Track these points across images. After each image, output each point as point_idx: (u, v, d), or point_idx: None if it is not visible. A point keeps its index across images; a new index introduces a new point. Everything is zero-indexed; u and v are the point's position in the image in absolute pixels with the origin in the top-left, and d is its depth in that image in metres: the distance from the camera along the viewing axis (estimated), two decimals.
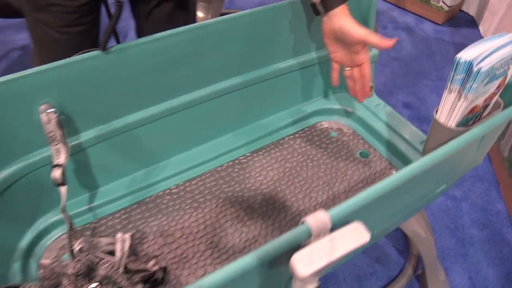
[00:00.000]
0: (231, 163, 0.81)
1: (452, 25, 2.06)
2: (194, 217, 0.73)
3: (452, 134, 0.55)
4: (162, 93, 0.71)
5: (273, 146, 0.85)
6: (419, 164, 0.47)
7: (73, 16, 0.72)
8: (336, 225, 0.43)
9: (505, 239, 1.16)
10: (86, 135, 0.66)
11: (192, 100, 0.74)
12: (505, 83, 0.57)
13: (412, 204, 0.63)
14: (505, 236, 1.16)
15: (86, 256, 0.61)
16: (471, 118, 0.59)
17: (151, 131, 0.73)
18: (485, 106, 0.59)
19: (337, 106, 0.91)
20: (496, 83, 0.55)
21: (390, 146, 0.83)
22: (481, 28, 1.99)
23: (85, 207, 0.71)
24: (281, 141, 0.86)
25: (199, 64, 0.72)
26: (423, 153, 0.64)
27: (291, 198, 0.76)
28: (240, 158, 0.82)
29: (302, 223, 0.42)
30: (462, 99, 0.52)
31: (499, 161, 1.31)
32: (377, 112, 0.88)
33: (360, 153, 0.85)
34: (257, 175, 0.80)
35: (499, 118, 0.54)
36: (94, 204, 0.72)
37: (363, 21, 0.82)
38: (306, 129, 0.89)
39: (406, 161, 0.81)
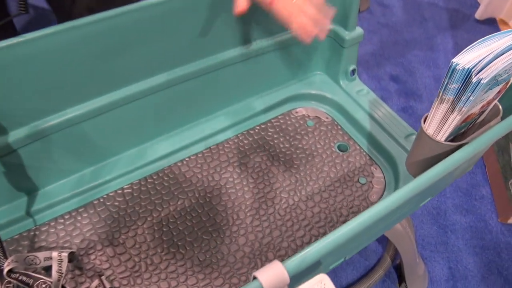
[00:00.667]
0: (193, 157, 0.73)
1: None
2: (149, 223, 0.65)
3: (441, 149, 0.47)
4: (107, 83, 0.61)
5: (242, 137, 0.76)
6: (396, 197, 0.39)
7: None
8: (296, 277, 0.35)
9: (488, 226, 1.11)
10: (15, 135, 0.56)
11: (144, 90, 0.64)
12: (507, 87, 0.48)
13: (392, 222, 0.56)
14: (488, 223, 1.12)
15: (18, 277, 0.53)
16: (464, 126, 0.50)
17: (97, 126, 0.63)
18: (481, 112, 0.51)
19: (315, 91, 0.82)
20: (497, 89, 0.46)
21: (372, 140, 0.75)
22: (478, 10, 1.87)
23: (22, 213, 0.62)
24: (251, 131, 0.77)
25: (152, 48, 0.61)
26: (407, 162, 0.55)
27: (260, 199, 0.68)
28: (204, 151, 0.74)
29: (254, 278, 0.34)
30: (455, 112, 0.43)
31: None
32: (359, 99, 0.79)
33: (339, 146, 0.76)
34: (222, 171, 0.71)
35: (497, 131, 0.46)
36: (34, 208, 0.63)
37: None
38: (279, 116, 0.80)
39: (388, 157, 0.73)
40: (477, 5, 1.81)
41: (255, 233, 0.64)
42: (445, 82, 0.42)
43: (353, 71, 0.81)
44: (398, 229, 0.80)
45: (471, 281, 1.01)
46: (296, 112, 0.81)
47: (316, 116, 0.81)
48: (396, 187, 0.70)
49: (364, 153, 0.75)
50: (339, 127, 0.79)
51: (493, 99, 0.49)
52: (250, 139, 0.76)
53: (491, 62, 0.40)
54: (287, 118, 0.80)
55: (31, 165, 0.60)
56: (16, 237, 0.61)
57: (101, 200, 0.66)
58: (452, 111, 0.43)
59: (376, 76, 1.49)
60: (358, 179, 0.71)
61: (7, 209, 0.62)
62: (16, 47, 0.49)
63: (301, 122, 0.80)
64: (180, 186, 0.69)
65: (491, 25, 1.72)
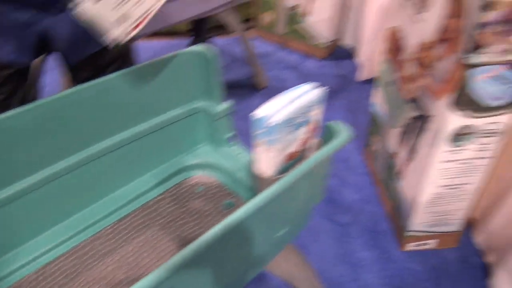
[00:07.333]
0: (89, 239, 0.79)
1: (333, 59, 2.22)
2: None
3: (273, 183, 0.58)
4: None
5: (138, 212, 0.84)
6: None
7: None
8: None
9: (392, 256, 1.22)
10: None
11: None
12: (318, 126, 0.62)
13: (257, 253, 0.65)
14: (391, 253, 1.23)
15: None
16: (293, 163, 0.62)
17: None
18: (305, 150, 0.63)
19: (200, 160, 0.93)
20: (304, 129, 0.59)
21: (254, 195, 0.86)
22: (357, 59, 2.17)
23: None
24: (145, 206, 0.85)
25: (33, 150, 0.70)
26: None
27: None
28: (106, 229, 0.80)
29: None
30: (269, 151, 0.55)
31: (380, 186, 1.40)
32: (240, 160, 0.91)
33: (226, 204, 0.86)
34: (118, 247, 0.78)
35: (307, 165, 0.57)
36: None
37: (207, 75, 0.86)
38: (171, 189, 0.89)
39: None
40: (359, 68, 2.09)
41: None
42: (254, 131, 0.55)
43: (231, 138, 0.93)
44: (293, 273, 0.89)
45: None
46: (189, 181, 0.91)
47: (205, 182, 0.91)
48: None
49: None
50: (226, 187, 0.89)
51: (311, 137, 0.62)
52: (146, 211, 0.84)
53: (281, 109, 0.54)
54: (178, 189, 0.90)
55: None
56: None
57: None
58: (267, 150, 0.55)
59: None
60: None
61: None
62: None
63: (192, 189, 0.89)
64: (83, 265, 0.74)
65: (372, 83, 1.99)
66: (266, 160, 0.57)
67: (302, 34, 2.23)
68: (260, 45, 2.35)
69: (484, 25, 0.72)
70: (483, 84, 0.82)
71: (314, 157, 0.58)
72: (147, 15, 0.63)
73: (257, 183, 0.61)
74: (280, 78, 2.08)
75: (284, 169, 0.61)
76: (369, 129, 1.48)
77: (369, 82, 2.00)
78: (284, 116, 0.53)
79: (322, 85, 0.61)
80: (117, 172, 0.84)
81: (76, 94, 0.71)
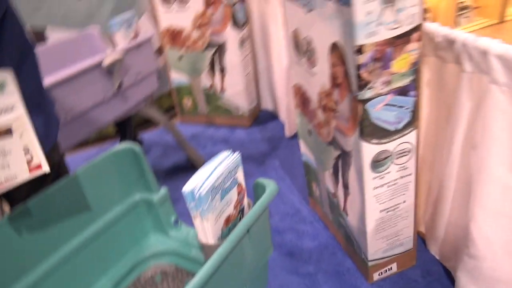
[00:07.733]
0: None
1: (259, 124, 2.35)
2: None
3: (215, 249, 0.62)
4: None
5: None
6: None
7: None
8: None
9: None
10: None
11: None
12: (244, 187, 0.67)
13: None
14: None
15: None
16: (234, 225, 0.67)
17: None
18: (241, 211, 0.68)
19: (153, 250, 0.94)
20: (234, 192, 0.65)
21: None
22: (280, 117, 2.31)
23: None
24: None
25: None
26: None
27: None
28: None
29: None
30: (204, 221, 0.60)
31: (332, 228, 1.46)
32: (189, 241, 0.93)
33: None
34: None
35: (243, 226, 0.62)
36: None
37: (137, 168, 0.90)
38: (131, 285, 0.89)
39: None
40: (284, 126, 2.22)
41: None
42: (187, 205, 0.59)
43: (176, 221, 0.96)
44: None
45: None
46: (145, 274, 0.91)
47: (163, 270, 0.92)
48: None
49: None
50: (183, 270, 0.91)
51: (242, 198, 0.68)
52: None
53: (206, 180, 0.59)
54: (138, 284, 0.89)
55: None
56: None
57: None
58: (202, 221, 0.60)
59: None
60: None
61: None
62: None
63: (152, 281, 0.90)
64: None
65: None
66: (204, 230, 0.61)
67: (224, 109, 2.36)
68: (188, 128, 2.44)
69: (362, 65, 0.85)
70: (380, 113, 0.94)
71: (248, 216, 0.63)
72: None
73: (204, 254, 0.64)
74: (214, 153, 2.13)
75: (225, 234, 0.65)
76: (307, 177, 1.56)
77: (296, 136, 2.13)
78: (210, 184, 0.58)
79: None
80: (69, 284, 0.83)
81: (16, 217, 0.72)
